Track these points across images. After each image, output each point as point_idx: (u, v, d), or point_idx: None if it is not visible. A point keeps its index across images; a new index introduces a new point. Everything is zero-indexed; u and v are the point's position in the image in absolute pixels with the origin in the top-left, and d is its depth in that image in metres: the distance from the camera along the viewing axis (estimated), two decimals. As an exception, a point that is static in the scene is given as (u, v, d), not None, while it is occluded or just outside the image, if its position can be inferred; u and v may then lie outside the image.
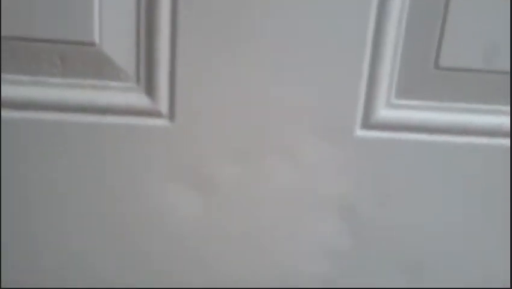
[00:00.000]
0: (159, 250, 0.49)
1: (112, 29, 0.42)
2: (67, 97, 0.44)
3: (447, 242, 0.50)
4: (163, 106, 0.44)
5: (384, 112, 0.45)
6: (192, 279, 0.50)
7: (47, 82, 0.44)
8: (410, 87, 0.45)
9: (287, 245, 0.49)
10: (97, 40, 0.42)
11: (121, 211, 0.47)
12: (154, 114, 0.45)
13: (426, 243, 0.50)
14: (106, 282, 0.50)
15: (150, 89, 0.44)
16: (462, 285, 0.51)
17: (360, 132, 0.45)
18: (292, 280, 0.51)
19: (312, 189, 0.47)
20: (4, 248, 0.48)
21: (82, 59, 0.43)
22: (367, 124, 0.45)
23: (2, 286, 0.52)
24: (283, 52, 0.43)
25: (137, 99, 0.44)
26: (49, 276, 0.49)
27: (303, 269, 0.50)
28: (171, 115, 0.44)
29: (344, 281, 0.51)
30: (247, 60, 0.43)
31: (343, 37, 0.43)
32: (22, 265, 0.49)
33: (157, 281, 0.50)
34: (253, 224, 0.48)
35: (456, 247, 0.50)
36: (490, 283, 0.51)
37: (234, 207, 0.47)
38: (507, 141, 0.46)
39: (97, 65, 0.43)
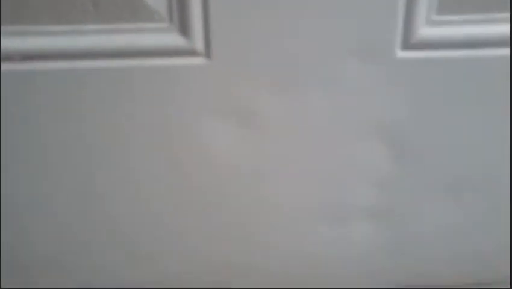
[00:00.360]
0: (199, 184, 0.49)
1: (142, -30, 0.42)
2: (101, 43, 0.44)
3: (487, 159, 0.49)
4: (198, 44, 0.44)
5: (425, 30, 0.44)
6: (231, 212, 0.51)
7: (80, 29, 0.44)
8: (451, 1, 0.43)
9: (330, 173, 0.49)
10: (127, -19, 0.42)
11: (161, 151, 0.48)
12: (190, 52, 0.44)
13: (467, 161, 0.49)
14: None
15: (184, 28, 0.44)
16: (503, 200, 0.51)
17: (401, 53, 0.44)
18: (336, 210, 0.51)
19: (353, 115, 0.46)
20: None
21: (114, 3, 0.43)
22: (408, 44, 0.44)
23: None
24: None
25: (172, 38, 0.44)
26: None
27: (347, 199, 0.50)
28: (207, 53, 0.44)
29: (389, 209, 0.51)
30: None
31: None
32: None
33: (195, 218, 0.51)
34: (295, 154, 0.48)
35: (496, 164, 0.49)
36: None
37: (275, 138, 0.47)
38: None
39: (130, 8, 0.43)
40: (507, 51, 0.44)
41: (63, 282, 0.54)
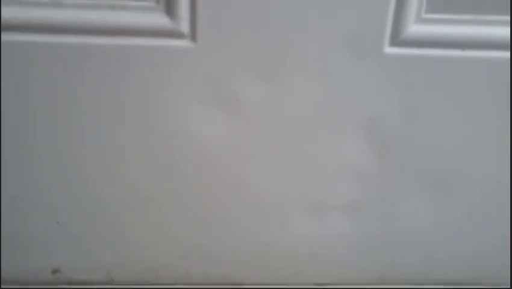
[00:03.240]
0: (181, 168, 0.48)
1: None
2: (85, 19, 0.43)
3: (470, 159, 0.49)
4: (184, 26, 0.43)
5: (414, 28, 0.43)
6: (212, 199, 0.50)
7: (64, 2, 0.42)
8: (441, 0, 0.43)
9: (312, 165, 0.49)
10: (114, -44, 0.41)
11: (144, 132, 0.47)
12: (175, 34, 0.43)
13: (451, 158, 0.49)
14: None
15: (170, 8, 0.43)
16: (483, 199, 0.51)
17: (389, 49, 0.44)
18: (318, 205, 0.51)
19: (339, 107, 0.46)
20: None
21: (99, -23, 0.42)
22: (396, 40, 0.44)
23: (2, 287, 0.53)
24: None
25: (157, 18, 0.43)
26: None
27: (329, 193, 0.50)
28: (193, 36, 0.43)
29: (371, 205, 0.51)
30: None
31: None
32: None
33: (179, 202, 0.50)
34: (278, 144, 0.48)
35: (479, 163, 0.49)
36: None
37: (257, 125, 0.47)
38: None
39: (115, -16, 0.42)
40: (493, 53, 0.44)
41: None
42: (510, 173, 0.49)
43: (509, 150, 0.49)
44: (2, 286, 0.53)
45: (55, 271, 0.53)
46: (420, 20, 0.43)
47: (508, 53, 0.44)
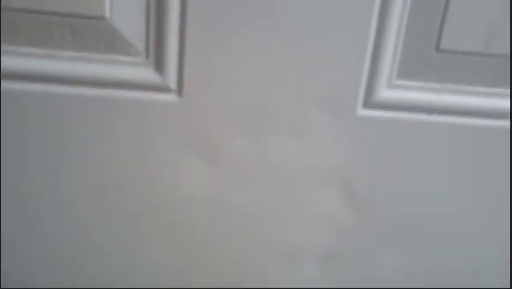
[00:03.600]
0: (165, 213, 0.50)
1: (122, 4, 0.43)
2: (77, 71, 0.45)
3: (444, 221, 0.52)
4: (172, 81, 0.45)
5: (385, 93, 0.46)
6: (194, 249, 0.52)
7: (57, 55, 0.44)
8: (411, 68, 0.46)
9: (289, 217, 0.51)
10: (107, 14, 0.43)
11: (128, 185, 0.49)
12: (163, 89, 0.46)
13: (423, 218, 0.52)
14: (110, 254, 0.52)
15: (159, 64, 0.45)
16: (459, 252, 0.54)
17: (362, 111, 0.47)
18: (293, 253, 0.53)
19: (314, 164, 0.49)
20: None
21: (92, 33, 0.44)
22: (369, 103, 0.47)
23: (2, 286, 0.53)
24: (290, 31, 0.44)
25: (146, 73, 0.45)
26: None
27: (305, 242, 0.52)
28: (180, 91, 0.46)
29: (345, 254, 0.53)
30: (256, 40, 0.44)
31: (347, 17, 0.44)
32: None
33: (163, 252, 0.52)
34: (256, 196, 0.50)
35: (454, 224, 0.52)
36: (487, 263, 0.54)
37: (239, 179, 0.49)
38: (507, 124, 0.48)
39: (108, 40, 0.44)
40: (463, 120, 0.48)
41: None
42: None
43: (483, 207, 0.52)
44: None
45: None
46: (391, 85, 0.47)
47: (478, 121, 0.48)
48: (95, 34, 0.44)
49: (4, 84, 0.45)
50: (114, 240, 0.51)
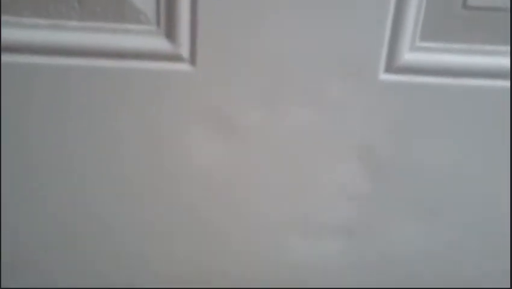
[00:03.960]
0: (180, 188, 0.49)
1: (131, -31, 0.41)
2: (84, 41, 0.43)
3: (463, 185, 0.50)
4: (184, 50, 0.44)
5: (408, 56, 0.44)
6: (211, 217, 0.51)
7: (65, 25, 0.43)
8: (436, 29, 0.44)
9: (308, 187, 0.49)
10: (115, -20, 0.41)
11: (142, 155, 0.47)
12: (175, 58, 0.44)
13: (442, 186, 0.50)
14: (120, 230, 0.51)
15: (170, 32, 0.43)
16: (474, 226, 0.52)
17: (384, 76, 0.45)
18: (312, 227, 0.51)
19: (333, 132, 0.47)
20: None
21: (100, 1, 0.42)
22: (391, 67, 0.45)
23: (2, 286, 0.53)
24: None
25: (157, 42, 0.43)
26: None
27: (323, 215, 0.51)
28: (193, 60, 0.44)
29: (364, 228, 0.51)
30: (273, 4, 0.42)
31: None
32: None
33: (178, 222, 0.51)
34: (272, 168, 0.48)
35: (470, 190, 0.51)
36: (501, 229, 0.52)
37: (254, 150, 0.47)
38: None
39: (116, 8, 0.42)
40: (485, 82, 0.46)
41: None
42: (510, 194, 0.50)
43: (504, 179, 0.50)
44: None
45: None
46: (414, 48, 0.44)
47: (501, 82, 0.46)
48: (103, 2, 0.42)
49: (9, 57, 0.43)
50: (122, 209, 0.50)
